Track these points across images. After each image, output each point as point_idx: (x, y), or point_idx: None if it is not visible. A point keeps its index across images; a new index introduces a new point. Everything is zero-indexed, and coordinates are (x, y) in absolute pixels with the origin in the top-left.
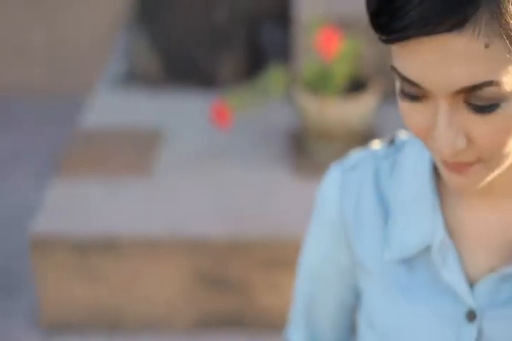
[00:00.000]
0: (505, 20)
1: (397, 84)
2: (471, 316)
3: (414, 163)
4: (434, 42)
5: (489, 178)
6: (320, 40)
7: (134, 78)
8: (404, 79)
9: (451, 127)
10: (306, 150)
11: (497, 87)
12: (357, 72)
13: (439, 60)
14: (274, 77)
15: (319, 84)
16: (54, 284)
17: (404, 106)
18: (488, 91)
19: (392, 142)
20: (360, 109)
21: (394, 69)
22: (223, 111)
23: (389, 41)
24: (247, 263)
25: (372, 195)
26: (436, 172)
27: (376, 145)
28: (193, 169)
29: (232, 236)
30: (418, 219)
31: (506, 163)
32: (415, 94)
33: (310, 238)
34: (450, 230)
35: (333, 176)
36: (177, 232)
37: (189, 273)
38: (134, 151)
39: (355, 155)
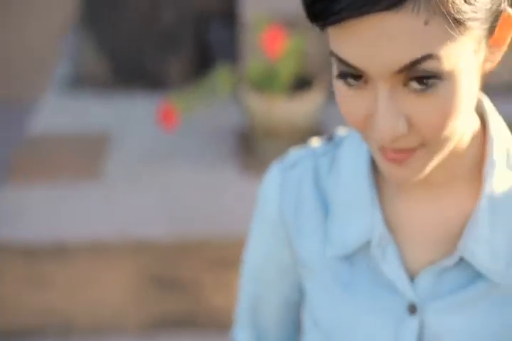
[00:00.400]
0: None
1: (335, 71)
2: (412, 309)
3: (352, 159)
4: (372, 21)
5: (429, 168)
6: (265, 38)
7: (81, 81)
8: (344, 63)
9: (391, 111)
10: (254, 149)
11: (436, 61)
12: (302, 70)
13: (378, 39)
14: (220, 77)
15: (265, 83)
16: (3, 290)
17: (343, 94)
18: (428, 65)
19: (330, 139)
20: (305, 106)
21: (333, 54)
22: (170, 113)
23: (326, 25)
24: (197, 264)
25: (312, 193)
26: (374, 166)
27: (315, 142)
28: (142, 171)
29: (181, 237)
30: (357, 214)
31: (447, 149)
32: (354, 79)
33: (252, 237)
34: (390, 224)
35: (273, 175)
36: (126, 235)
37: (139, 276)
38: (83, 155)
39: (295, 153)
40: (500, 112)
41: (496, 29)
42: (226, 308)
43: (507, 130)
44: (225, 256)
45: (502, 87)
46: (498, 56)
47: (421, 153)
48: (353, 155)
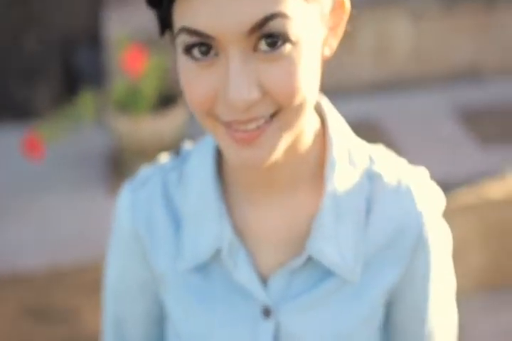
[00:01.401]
0: None
1: (180, 49)
2: (267, 313)
3: (198, 171)
4: None
5: (279, 149)
6: (126, 58)
7: None
8: (193, 33)
9: (243, 76)
10: (124, 170)
11: (285, 20)
12: (166, 87)
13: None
14: (84, 101)
15: (129, 103)
16: None
17: (189, 72)
18: (278, 23)
19: (178, 153)
20: (172, 123)
21: (181, 30)
22: (34, 143)
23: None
24: (74, 290)
25: (162, 208)
26: (221, 176)
27: (164, 158)
28: (12, 204)
29: (55, 265)
30: (206, 224)
31: (298, 123)
32: (202, 54)
33: (110, 255)
34: (240, 231)
35: (124, 195)
36: None
37: (16, 309)
38: None
39: (144, 171)
40: (360, 112)
41: (332, 12)
42: None
43: (348, 128)
44: (100, 279)
45: (362, 87)
46: (335, 42)
47: (271, 130)
48: (199, 167)
